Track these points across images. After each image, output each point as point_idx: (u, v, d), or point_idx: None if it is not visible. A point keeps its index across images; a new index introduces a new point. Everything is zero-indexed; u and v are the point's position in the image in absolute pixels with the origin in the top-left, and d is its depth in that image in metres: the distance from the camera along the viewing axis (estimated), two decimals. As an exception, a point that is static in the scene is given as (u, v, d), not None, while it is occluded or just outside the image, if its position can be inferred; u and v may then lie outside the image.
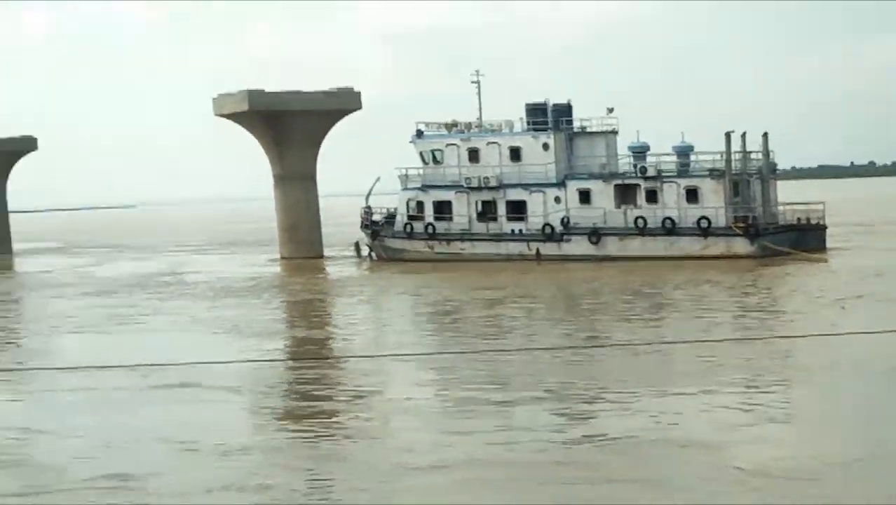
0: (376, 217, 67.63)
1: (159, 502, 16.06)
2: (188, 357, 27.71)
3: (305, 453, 18.84)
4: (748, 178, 58.97)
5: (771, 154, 60.77)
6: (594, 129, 62.50)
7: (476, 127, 64.75)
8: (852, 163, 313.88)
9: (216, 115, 72.32)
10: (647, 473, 16.36)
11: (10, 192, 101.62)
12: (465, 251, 62.25)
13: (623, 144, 61.82)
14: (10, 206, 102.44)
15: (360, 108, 72.64)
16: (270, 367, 28.54)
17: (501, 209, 61.95)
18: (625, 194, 58.88)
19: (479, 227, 62.66)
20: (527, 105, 62.63)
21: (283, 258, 70.36)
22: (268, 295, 47.95)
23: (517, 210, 61.57)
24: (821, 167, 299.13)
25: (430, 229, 63.76)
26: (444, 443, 18.82)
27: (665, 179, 57.77)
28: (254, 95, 68.76)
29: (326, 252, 71.59)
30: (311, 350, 31.87)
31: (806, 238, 58.33)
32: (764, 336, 29.32)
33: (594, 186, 59.59)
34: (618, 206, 58.70)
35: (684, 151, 59.53)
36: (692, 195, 57.15)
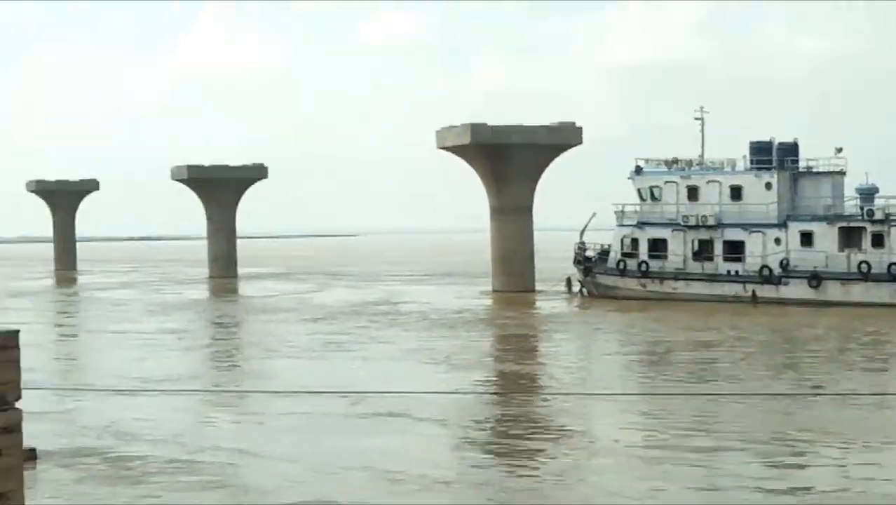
0: (590, 253, 67.35)
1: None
2: (398, 386, 28.18)
3: (508, 490, 18.83)
4: None
5: None
6: (820, 170, 60.83)
7: (697, 164, 63.87)
8: None
9: (439, 147, 73.53)
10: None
11: (239, 218, 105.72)
12: (678, 291, 61.30)
13: (851, 186, 60.09)
14: (239, 231, 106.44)
15: (580, 142, 72.64)
16: (478, 400, 28.71)
17: (718, 249, 60.84)
18: (849, 237, 56.97)
19: (695, 267, 61.64)
20: (751, 143, 61.49)
21: (494, 291, 70.73)
22: (479, 327, 48.30)
23: (735, 250, 60.36)
24: None
25: (643, 267, 63.09)
26: (649, 489, 18.51)
27: (893, 223, 55.61)
28: (476, 129, 69.58)
29: (538, 286, 71.61)
30: (519, 385, 31.90)
31: None
32: None
33: (817, 228, 57.88)
34: (841, 250, 56.83)
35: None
36: (922, 241, 54.93)
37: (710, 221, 60.80)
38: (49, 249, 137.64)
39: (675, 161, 64.54)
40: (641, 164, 64.86)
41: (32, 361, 35.73)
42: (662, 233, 62.89)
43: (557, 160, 73.69)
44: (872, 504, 17.33)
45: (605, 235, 66.93)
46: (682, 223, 61.75)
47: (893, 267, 54.70)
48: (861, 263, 55.68)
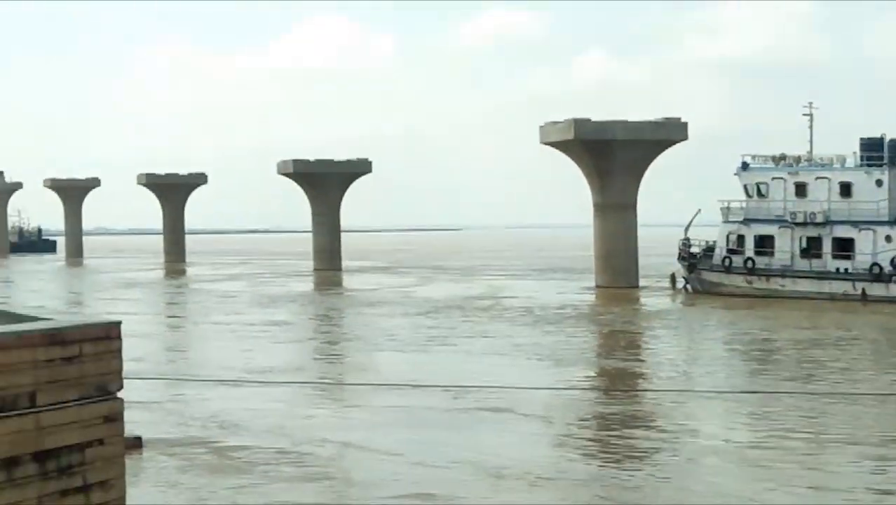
0: (694, 249, 66.67)
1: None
2: (501, 381, 28.09)
3: (612, 489, 18.61)
4: None
5: None
6: (934, 166, 59.46)
7: (805, 160, 62.77)
8: None
9: (542, 142, 73.30)
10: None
11: (343, 212, 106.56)
12: (784, 288, 60.32)
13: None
14: (343, 225, 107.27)
15: (686, 138, 71.78)
16: (582, 396, 28.52)
17: (827, 246, 59.72)
18: (962, 235, 55.65)
19: (802, 264, 60.61)
20: (861, 139, 60.19)
21: (597, 287, 70.31)
22: (582, 323, 48.01)
23: (844, 248, 59.18)
24: None
25: (749, 264, 62.26)
26: (761, 490, 18.16)
27: None
28: (579, 124, 69.20)
29: (641, 282, 71.00)
30: (623, 381, 31.59)
31: None
32: None
33: (929, 225, 56.63)
34: (954, 247, 55.50)
35: None
36: None
37: (819, 218, 59.72)
38: (158, 241, 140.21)
39: (783, 157, 63.56)
40: (748, 160, 64.03)
41: (141, 351, 36.43)
42: (769, 229, 62.00)
43: (662, 156, 73.03)
44: None
45: (710, 232, 66.16)
46: (790, 220, 60.80)
47: None
48: None
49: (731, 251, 63.49)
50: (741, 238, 63.25)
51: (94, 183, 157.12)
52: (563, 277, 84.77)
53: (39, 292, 76.02)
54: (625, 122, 70.17)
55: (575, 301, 60.55)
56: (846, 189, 59.70)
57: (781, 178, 62.24)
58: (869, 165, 59.29)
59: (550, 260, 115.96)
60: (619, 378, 32.42)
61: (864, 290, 57.24)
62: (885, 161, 58.83)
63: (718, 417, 25.17)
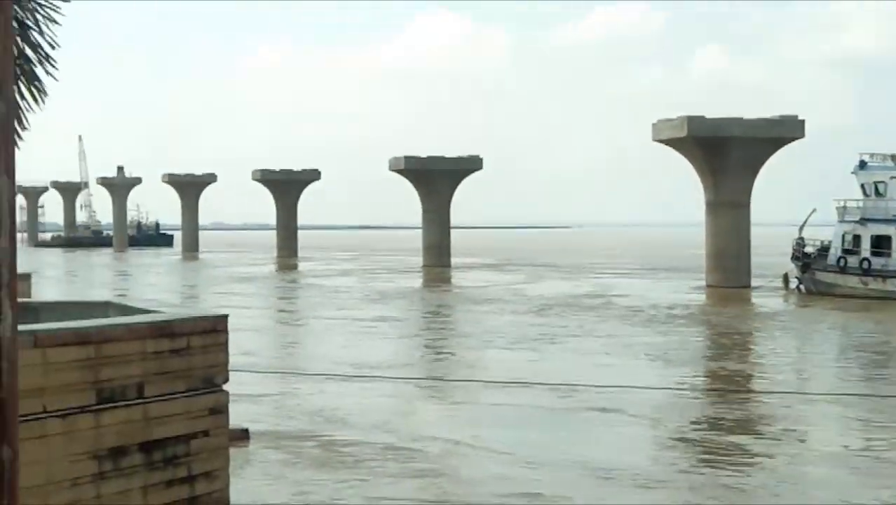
0: (808, 249, 65.42)
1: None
2: (610, 381, 27.81)
3: (723, 493, 18.25)
4: None
5: None
6: None
7: (926, 159, 61.32)
8: None
9: (654, 140, 72.70)
10: None
11: (453, 208, 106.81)
12: (902, 290, 58.90)
13: None
14: (453, 221, 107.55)
15: (802, 136, 70.49)
16: (692, 397, 28.10)
17: (947, 248, 58.22)
18: None
19: (920, 266, 59.16)
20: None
21: (708, 286, 69.42)
22: (693, 323, 47.40)
23: (964, 249, 57.66)
24: None
25: (865, 265, 60.85)
26: (868, 498, 17.66)
27: None
28: (693, 122, 68.44)
29: (754, 282, 69.90)
30: (735, 383, 31.05)
31: None
32: None
33: None
34: None
35: None
36: None
37: (939, 219, 58.27)
38: (272, 237, 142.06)
39: (903, 156, 62.17)
40: (866, 158, 62.64)
41: (252, 344, 36.89)
42: (886, 229, 60.53)
43: (778, 154, 71.84)
44: None
45: (825, 231, 64.87)
46: (909, 220, 59.39)
47: None
48: None
49: (846, 251, 62.18)
50: (857, 238, 61.90)
51: (210, 179, 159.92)
52: (673, 275, 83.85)
53: (156, 286, 77.59)
54: (739, 120, 69.21)
55: (685, 300, 59.82)
56: (968, 188, 58.17)
57: (901, 177, 60.89)
58: None
59: (661, 258, 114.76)
60: (730, 380, 31.88)
61: None
62: None
63: (834, 421, 24.58)
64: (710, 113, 69.32)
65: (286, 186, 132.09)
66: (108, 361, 8.66)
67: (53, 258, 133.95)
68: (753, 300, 61.06)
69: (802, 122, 70.18)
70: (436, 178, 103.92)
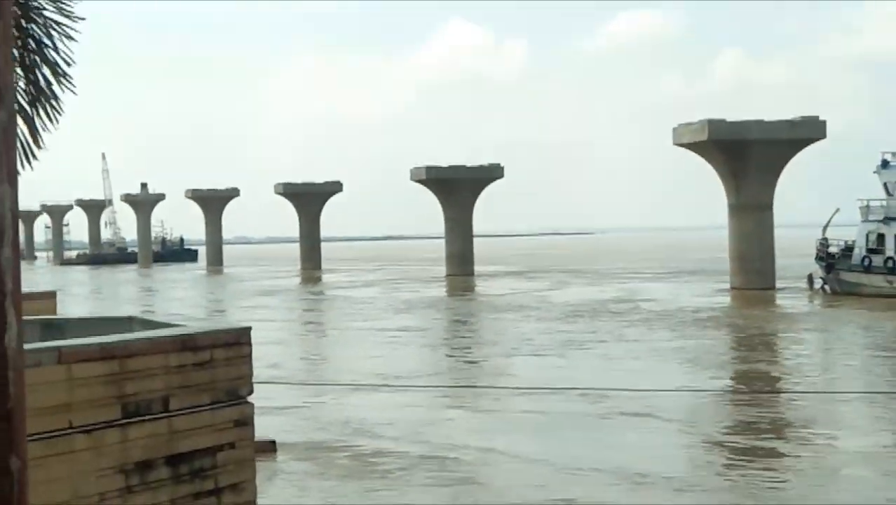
0: (833, 249, 65.05)
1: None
2: (640, 385, 27.67)
3: (756, 496, 18.07)
4: None
5: None
6: None
7: (950, 157, 60.90)
8: None
9: (675, 144, 72.51)
10: None
11: (476, 217, 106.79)
12: (927, 289, 58.48)
13: None
14: (475, 230, 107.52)
15: (823, 137, 70.18)
16: (722, 400, 27.91)
17: (971, 245, 57.80)
18: None
19: (945, 264, 58.73)
20: None
21: (733, 288, 69.14)
22: (720, 325, 47.15)
23: None
24: None
25: (889, 263, 60.47)
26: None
27: None
28: (714, 125, 68.25)
29: (778, 284, 69.57)
30: (765, 384, 30.84)
31: None
32: None
33: None
34: None
35: None
36: None
37: (963, 217, 57.85)
38: (295, 250, 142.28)
39: (925, 155, 61.84)
40: (888, 157, 62.30)
41: (277, 357, 36.88)
42: (911, 229, 60.21)
43: (800, 155, 71.51)
44: None
45: (849, 231, 64.52)
46: (933, 218, 59.01)
47: None
48: None
49: (870, 251, 61.82)
50: (881, 237, 61.54)
51: (233, 193, 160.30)
52: (698, 279, 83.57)
53: (182, 300, 77.78)
54: (759, 122, 68.96)
55: (711, 303, 59.56)
56: None
57: (924, 175, 60.56)
58: None
59: (685, 262, 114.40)
60: (759, 381, 31.66)
61: None
62: None
63: (862, 422, 24.37)
64: (733, 116, 69.31)
65: (309, 199, 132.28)
66: (133, 376, 8.62)
67: (79, 276, 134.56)
68: (779, 302, 60.74)
69: (824, 122, 69.88)
70: (457, 187, 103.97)
